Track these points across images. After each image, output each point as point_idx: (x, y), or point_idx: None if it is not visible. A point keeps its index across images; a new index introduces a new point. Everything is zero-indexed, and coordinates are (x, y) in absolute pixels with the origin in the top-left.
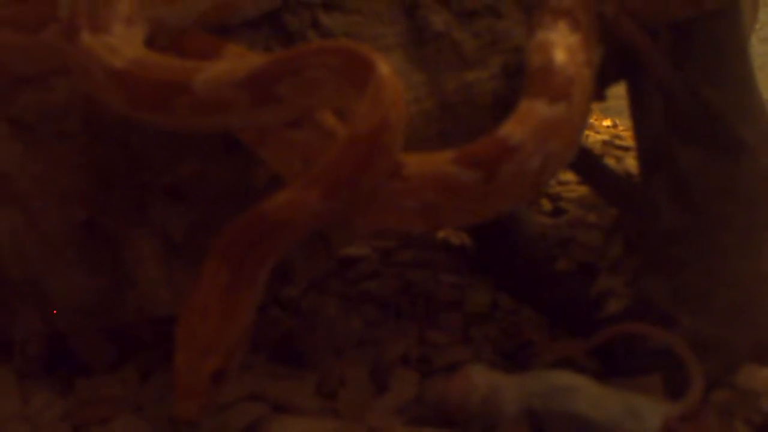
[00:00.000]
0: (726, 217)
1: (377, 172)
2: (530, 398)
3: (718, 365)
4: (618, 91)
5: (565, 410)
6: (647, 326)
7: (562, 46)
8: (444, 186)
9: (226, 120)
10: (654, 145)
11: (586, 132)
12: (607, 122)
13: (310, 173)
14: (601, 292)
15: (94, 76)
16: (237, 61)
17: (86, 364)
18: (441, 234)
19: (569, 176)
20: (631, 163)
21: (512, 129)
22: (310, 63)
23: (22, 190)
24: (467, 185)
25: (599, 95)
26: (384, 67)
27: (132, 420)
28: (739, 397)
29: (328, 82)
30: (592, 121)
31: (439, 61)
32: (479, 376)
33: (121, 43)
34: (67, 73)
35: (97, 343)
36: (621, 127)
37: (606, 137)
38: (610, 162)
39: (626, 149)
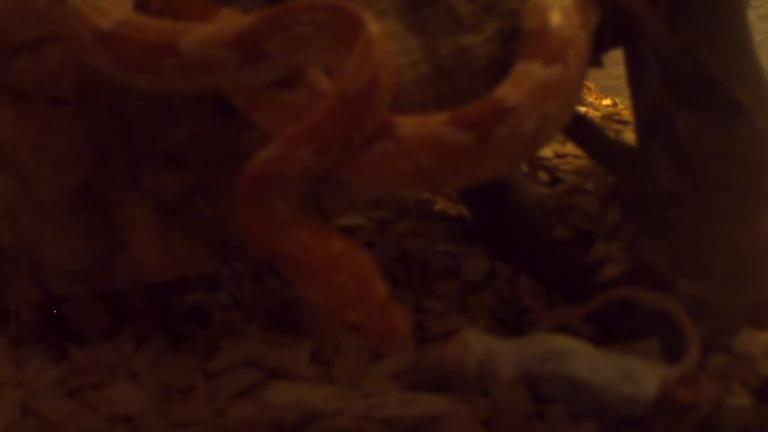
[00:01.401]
0: (723, 181)
1: (366, 130)
2: (526, 361)
3: (715, 329)
4: (617, 71)
5: (561, 373)
6: (643, 291)
7: (558, 8)
8: (438, 148)
9: (215, 80)
10: (651, 110)
11: (585, 108)
12: (606, 101)
13: (299, 129)
14: (599, 258)
15: (82, 37)
16: (225, 22)
17: (80, 331)
18: (438, 205)
19: (567, 149)
20: (629, 136)
21: (507, 91)
22: (298, 19)
23: (16, 156)
24: (461, 147)
25: (596, 61)
26: (373, 25)
27: (126, 386)
28: (737, 361)
29: (316, 39)
30: (591, 99)
31: (434, 26)
32: (475, 340)
33: (109, 5)
34: (60, 40)
35: (90, 310)
36: (620, 106)
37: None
38: None
39: (625, 123)
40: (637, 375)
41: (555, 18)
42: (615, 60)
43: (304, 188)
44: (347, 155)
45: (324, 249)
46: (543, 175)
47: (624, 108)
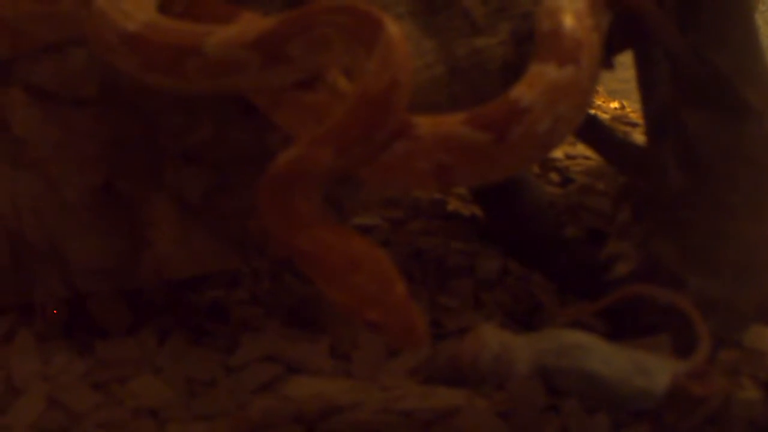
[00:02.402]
0: (732, 179)
1: (387, 130)
2: (541, 356)
3: (725, 325)
4: (625, 75)
5: (576, 367)
6: (655, 287)
7: (571, 11)
8: (455, 147)
9: (238, 82)
10: (661, 110)
11: (594, 111)
12: (614, 104)
13: (321, 130)
14: (610, 255)
15: (108, 39)
16: (247, 24)
17: (104, 327)
18: (451, 205)
19: (577, 150)
20: (638, 138)
21: (522, 91)
22: (319, 21)
23: (41, 155)
24: (478, 146)
25: (607, 63)
26: (393, 27)
27: (150, 380)
28: (746, 356)
29: (336, 41)
30: (599, 103)
31: (449, 28)
32: (491, 335)
33: (134, 8)
34: (85, 43)
35: (114, 306)
36: (629, 109)
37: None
38: None
39: (633, 125)
40: (650, 369)
41: (568, 20)
42: (623, 64)
43: (325, 188)
44: (369, 155)
45: (345, 249)
46: (554, 176)
47: (632, 111)
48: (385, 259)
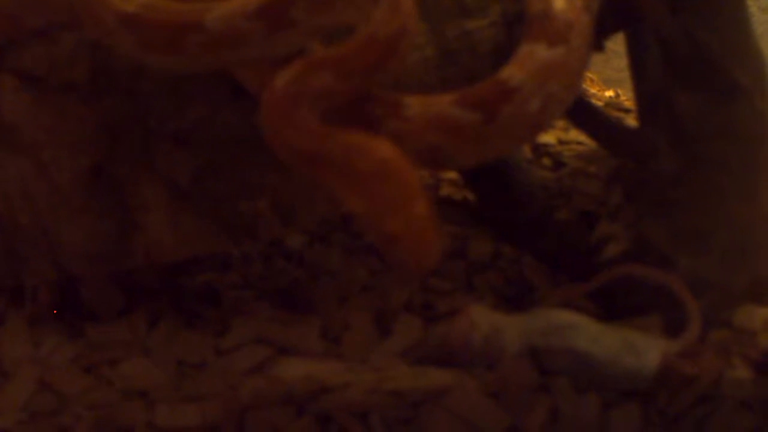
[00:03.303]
0: (723, 159)
1: (387, 74)
2: (531, 336)
3: (715, 304)
4: (620, 64)
5: (566, 346)
6: (645, 267)
7: None
8: (446, 127)
9: (243, 53)
10: (653, 92)
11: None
12: (609, 93)
13: (320, 55)
14: (602, 237)
15: (106, 21)
16: None
17: (94, 310)
18: (443, 190)
19: (570, 136)
20: (631, 123)
21: (512, 71)
22: None
23: (32, 139)
24: (469, 126)
25: (598, 45)
26: None
27: (141, 362)
28: (737, 336)
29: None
30: (594, 91)
31: (439, 11)
32: (481, 316)
33: None
34: (74, 27)
35: (104, 290)
36: (623, 98)
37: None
38: None
39: (627, 111)
40: (640, 348)
41: (558, 1)
42: (618, 53)
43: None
44: (367, 87)
45: (374, 154)
46: (546, 161)
47: (626, 99)
48: (411, 171)
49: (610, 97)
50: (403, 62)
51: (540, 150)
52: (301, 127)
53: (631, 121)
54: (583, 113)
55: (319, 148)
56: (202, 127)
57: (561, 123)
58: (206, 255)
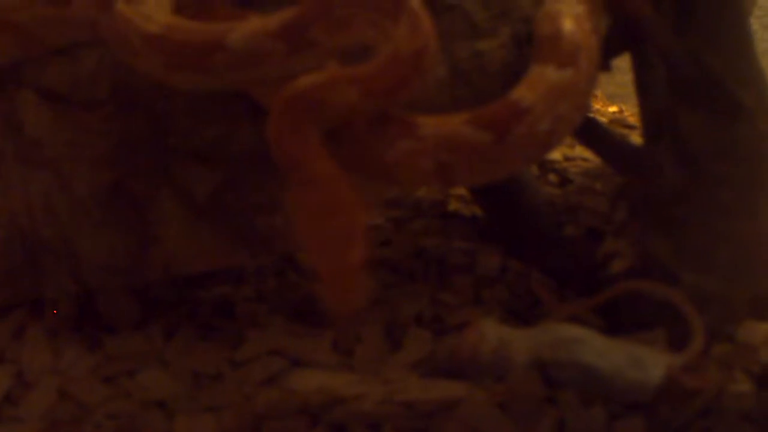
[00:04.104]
0: (726, 178)
1: (410, 91)
2: (539, 349)
3: (718, 319)
4: (623, 79)
5: (572, 360)
6: (650, 283)
7: (570, 15)
8: (457, 146)
9: (264, 71)
10: (658, 111)
11: (593, 115)
12: (613, 108)
13: (348, 70)
14: (607, 253)
15: (131, 42)
16: (268, 17)
17: (112, 322)
18: (451, 206)
19: (575, 152)
20: (636, 140)
21: (523, 93)
22: (339, 3)
23: (53, 154)
24: (480, 145)
25: (605, 65)
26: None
27: (158, 374)
28: (739, 350)
29: (359, 18)
30: (597, 107)
31: (451, 32)
32: (490, 329)
33: (154, 12)
34: (95, 45)
35: (122, 302)
36: (627, 113)
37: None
38: None
39: (631, 128)
40: (644, 362)
41: (567, 24)
42: (621, 69)
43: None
44: (389, 106)
45: (331, 191)
46: (553, 178)
47: (630, 115)
48: (360, 217)
49: (614, 112)
50: (426, 81)
51: (546, 166)
52: (300, 135)
53: (636, 137)
54: (588, 131)
55: (302, 163)
56: (221, 145)
57: (567, 140)
58: (221, 269)
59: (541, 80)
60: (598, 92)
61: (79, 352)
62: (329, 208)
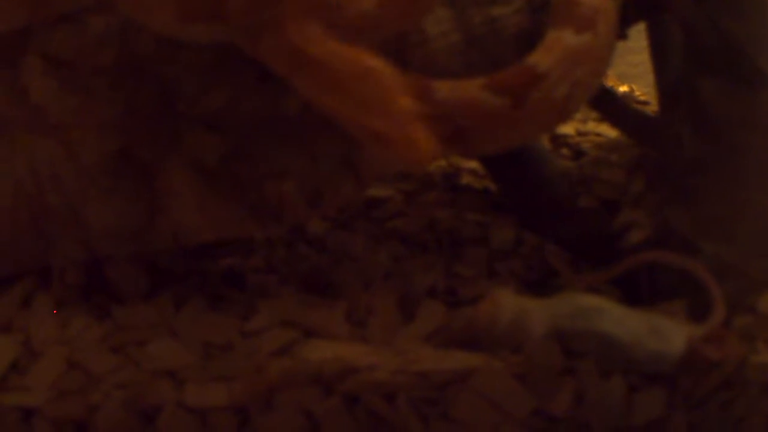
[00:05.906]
0: (745, 147)
1: (428, 7)
2: (557, 319)
3: (739, 290)
4: (635, 59)
5: (591, 329)
6: (668, 254)
7: None
8: (474, 111)
9: (279, 11)
10: (675, 79)
11: None
12: (624, 87)
13: None
14: (624, 224)
15: None
16: None
17: (120, 292)
18: (463, 179)
19: (588, 127)
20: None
21: (540, 57)
22: None
23: (59, 121)
24: (497, 111)
25: (621, 34)
26: None
27: (167, 343)
28: (761, 321)
29: None
30: (609, 86)
31: None
32: (507, 300)
33: None
34: (102, 10)
35: (131, 272)
36: (638, 93)
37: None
38: None
39: (643, 104)
40: (665, 332)
41: None
42: (632, 49)
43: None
44: (405, 19)
45: (353, 58)
46: (566, 151)
47: (641, 94)
48: (392, 75)
49: (625, 92)
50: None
51: (559, 140)
52: (301, 29)
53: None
54: (607, 102)
55: (306, 51)
56: (229, 111)
57: (578, 115)
58: (231, 238)
59: (558, 45)
60: (610, 72)
61: (87, 321)
62: (354, 75)
